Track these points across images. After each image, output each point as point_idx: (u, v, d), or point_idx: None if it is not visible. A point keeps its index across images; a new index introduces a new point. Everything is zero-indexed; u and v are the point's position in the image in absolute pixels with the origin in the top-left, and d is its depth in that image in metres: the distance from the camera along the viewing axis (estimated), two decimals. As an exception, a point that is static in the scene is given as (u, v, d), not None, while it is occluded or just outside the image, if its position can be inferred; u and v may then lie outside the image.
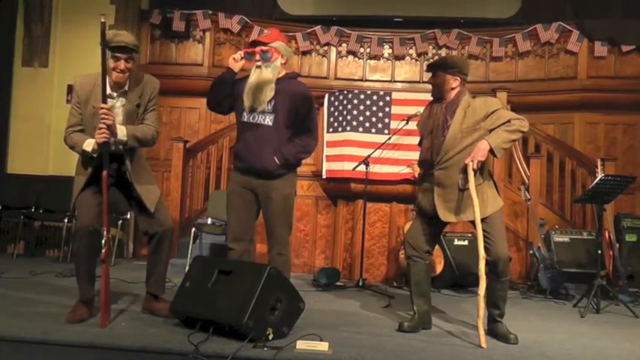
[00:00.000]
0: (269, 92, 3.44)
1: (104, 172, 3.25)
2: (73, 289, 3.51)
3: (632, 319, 4.39)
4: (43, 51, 7.05)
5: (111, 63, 3.28)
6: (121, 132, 3.30)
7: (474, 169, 3.33)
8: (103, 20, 3.19)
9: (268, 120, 3.47)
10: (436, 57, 7.41)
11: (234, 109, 3.61)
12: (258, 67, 3.45)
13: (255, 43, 3.53)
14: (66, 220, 6.31)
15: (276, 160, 3.44)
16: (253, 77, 3.45)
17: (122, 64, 3.29)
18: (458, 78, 3.51)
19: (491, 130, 3.40)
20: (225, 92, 3.54)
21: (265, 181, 3.48)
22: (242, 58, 3.49)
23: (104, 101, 3.23)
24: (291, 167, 3.55)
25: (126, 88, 3.39)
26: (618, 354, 3.29)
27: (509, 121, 3.37)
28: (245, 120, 3.52)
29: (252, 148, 3.47)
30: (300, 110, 3.50)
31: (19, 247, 6.61)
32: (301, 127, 3.53)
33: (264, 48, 3.45)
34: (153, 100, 3.49)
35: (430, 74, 3.63)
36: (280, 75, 3.51)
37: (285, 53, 3.54)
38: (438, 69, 3.55)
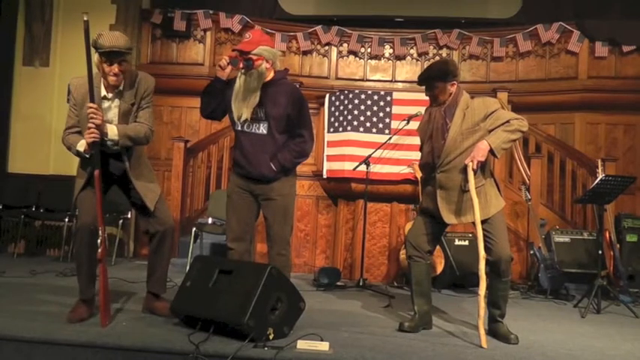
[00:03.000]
0: (253, 100, 3.41)
1: (96, 172, 3.24)
2: (74, 289, 3.50)
3: (633, 320, 4.39)
4: (44, 50, 7.05)
5: (105, 67, 3.26)
6: (112, 131, 3.28)
7: (473, 169, 3.33)
8: (85, 19, 3.14)
9: (262, 128, 3.46)
10: (436, 57, 7.41)
11: (228, 116, 3.58)
12: (243, 74, 3.41)
13: (238, 51, 3.44)
14: (66, 220, 6.32)
15: (273, 168, 3.44)
16: (237, 86, 3.43)
17: (116, 68, 3.26)
18: (455, 82, 3.50)
19: (490, 131, 3.40)
20: (216, 100, 3.52)
21: (264, 185, 3.49)
22: (228, 64, 3.43)
23: (92, 100, 3.22)
24: (288, 172, 3.54)
25: (121, 88, 3.37)
26: (618, 354, 3.29)
27: (508, 121, 3.37)
28: (239, 129, 3.52)
29: (249, 157, 3.47)
30: (292, 112, 3.47)
31: (20, 246, 6.62)
32: (295, 129, 3.50)
33: (245, 57, 3.38)
34: (147, 98, 3.46)
35: (424, 87, 3.55)
36: (268, 78, 3.47)
37: (270, 57, 3.46)
38: (435, 80, 3.47)
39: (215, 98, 3.52)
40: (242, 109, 3.43)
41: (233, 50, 3.51)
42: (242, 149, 3.52)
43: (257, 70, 3.40)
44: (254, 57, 3.38)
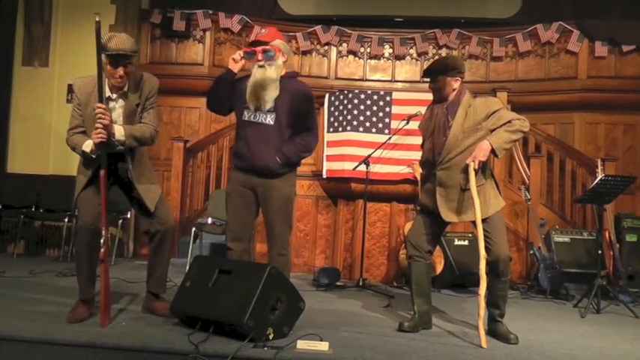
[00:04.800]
0: (274, 91, 3.42)
1: (102, 172, 3.25)
2: (73, 289, 3.51)
3: (633, 320, 4.39)
4: (44, 50, 7.05)
5: (109, 69, 3.26)
6: (119, 132, 3.29)
7: (474, 169, 3.33)
8: (97, 19, 3.11)
9: (269, 119, 3.46)
10: (436, 57, 7.40)
11: (234, 108, 3.59)
12: (261, 66, 3.41)
13: (255, 43, 3.49)
14: (66, 220, 6.32)
15: (278, 160, 3.43)
16: (257, 77, 3.41)
17: (121, 71, 3.26)
18: (459, 79, 3.51)
19: (492, 130, 3.40)
20: (225, 93, 3.52)
21: (266, 179, 3.48)
22: (242, 58, 3.47)
23: (100, 101, 3.22)
24: (292, 166, 3.55)
25: (125, 89, 3.38)
26: (618, 354, 3.29)
27: (510, 121, 3.38)
28: (245, 119, 3.50)
29: (254, 147, 3.46)
30: (300, 109, 3.49)
31: (20, 246, 6.61)
32: (302, 126, 3.53)
33: (266, 47, 3.41)
34: (151, 99, 3.47)
35: (429, 79, 3.60)
36: (281, 74, 3.49)
37: (285, 52, 3.52)
38: (439, 74, 3.51)
39: (222, 91, 3.52)
40: (264, 97, 3.40)
41: (251, 43, 3.51)
42: (246, 140, 3.49)
43: (276, 62, 3.42)
44: (276, 47, 3.42)
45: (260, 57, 3.41)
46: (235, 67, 3.49)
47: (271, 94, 3.42)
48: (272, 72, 3.41)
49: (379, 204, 5.93)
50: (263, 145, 3.44)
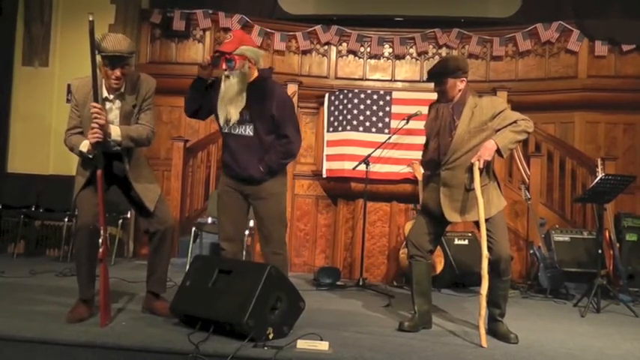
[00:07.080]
0: (240, 103, 3.38)
1: (98, 172, 3.25)
2: (73, 289, 3.50)
3: (633, 319, 4.39)
4: (44, 50, 7.05)
5: (107, 71, 3.25)
6: (115, 132, 3.29)
7: (479, 169, 3.33)
8: (91, 19, 3.08)
9: (248, 130, 3.44)
10: (436, 56, 7.41)
11: (215, 119, 3.56)
12: (227, 76, 3.36)
13: (218, 53, 3.39)
14: (66, 220, 6.31)
15: (261, 169, 3.42)
16: (222, 89, 3.38)
17: (118, 72, 3.25)
18: (464, 79, 3.50)
19: (497, 130, 3.40)
20: (199, 101, 3.49)
21: (254, 185, 3.48)
22: (209, 64, 3.39)
23: (96, 100, 3.21)
24: (276, 173, 3.51)
25: (122, 90, 3.37)
26: (618, 353, 3.29)
27: (515, 121, 3.39)
28: (226, 131, 3.50)
29: (237, 159, 3.46)
30: (276, 115, 3.43)
31: (20, 246, 6.61)
32: (280, 130, 3.46)
33: (227, 57, 3.33)
34: (148, 100, 3.46)
35: (434, 82, 3.57)
36: (252, 78, 3.43)
37: (253, 56, 3.40)
38: (444, 76, 3.49)
39: (197, 99, 3.50)
40: (230, 111, 3.39)
41: (215, 52, 3.45)
42: (230, 151, 3.50)
43: (240, 71, 3.36)
44: (236, 57, 3.33)
45: (224, 66, 3.34)
46: (204, 74, 3.42)
47: (237, 106, 3.37)
48: (236, 83, 3.35)
49: (379, 203, 5.93)
50: (246, 156, 3.43)
